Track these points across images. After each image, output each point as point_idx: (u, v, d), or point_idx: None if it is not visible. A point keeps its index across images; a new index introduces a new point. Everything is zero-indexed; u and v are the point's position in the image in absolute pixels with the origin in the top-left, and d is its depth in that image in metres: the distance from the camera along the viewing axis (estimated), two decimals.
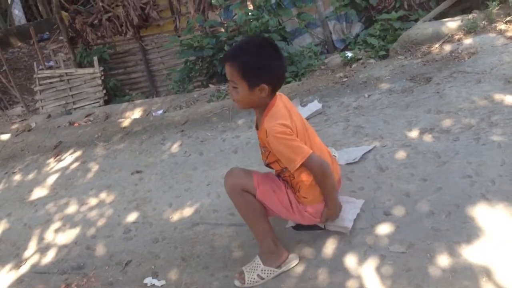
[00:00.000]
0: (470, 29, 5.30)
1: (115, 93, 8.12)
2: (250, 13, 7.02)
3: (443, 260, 2.41)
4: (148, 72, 8.50)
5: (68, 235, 3.60)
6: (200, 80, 7.36)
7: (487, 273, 2.28)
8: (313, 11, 7.60)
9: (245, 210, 2.58)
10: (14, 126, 7.22)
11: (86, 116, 6.61)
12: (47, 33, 13.43)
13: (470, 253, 2.41)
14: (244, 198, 2.54)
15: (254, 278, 2.62)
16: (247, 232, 3.01)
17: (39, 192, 4.48)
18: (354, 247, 2.68)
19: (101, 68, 7.82)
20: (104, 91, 7.70)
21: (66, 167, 4.88)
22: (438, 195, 2.88)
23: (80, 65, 8.24)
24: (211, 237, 3.13)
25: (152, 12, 8.29)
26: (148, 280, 2.87)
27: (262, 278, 2.63)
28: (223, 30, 7.24)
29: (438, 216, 2.71)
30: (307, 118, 4.38)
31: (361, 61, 5.74)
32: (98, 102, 7.59)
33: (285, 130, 2.32)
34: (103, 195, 4.09)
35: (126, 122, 5.69)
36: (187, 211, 3.51)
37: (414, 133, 3.64)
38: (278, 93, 2.49)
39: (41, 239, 3.65)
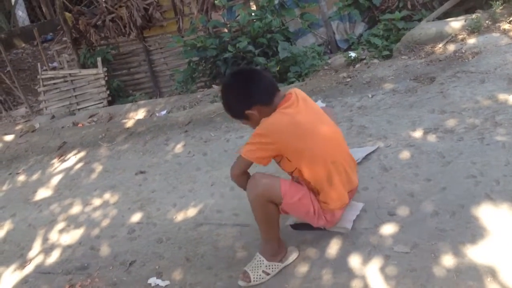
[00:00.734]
0: (473, 29, 5.29)
1: (118, 94, 8.12)
2: (253, 14, 7.02)
3: (448, 260, 2.40)
4: (151, 72, 8.50)
5: (72, 236, 3.61)
6: (204, 80, 7.36)
7: (492, 273, 2.27)
8: (316, 11, 7.60)
9: (263, 217, 2.59)
10: (18, 127, 7.24)
11: (89, 117, 6.62)
12: (51, 34, 13.45)
13: (475, 253, 2.41)
14: (267, 208, 2.54)
15: (260, 275, 2.63)
16: (250, 233, 3.02)
17: (43, 193, 4.49)
18: (358, 247, 2.67)
19: (105, 69, 7.83)
20: (108, 92, 7.71)
21: (70, 168, 4.89)
22: (442, 195, 2.88)
23: (83, 66, 8.25)
24: (215, 237, 3.13)
25: (155, 13, 8.30)
26: (152, 280, 2.87)
27: (268, 274, 2.65)
28: (226, 30, 7.24)
29: (442, 216, 2.71)
30: None
31: (364, 61, 5.73)
32: (102, 102, 7.59)
33: (258, 134, 2.46)
34: (107, 196, 4.09)
35: (129, 123, 5.71)
36: (191, 212, 3.51)
37: (418, 133, 3.64)
38: (292, 91, 2.58)
39: (45, 239, 3.66)
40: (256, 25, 6.66)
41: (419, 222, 2.72)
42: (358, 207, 2.92)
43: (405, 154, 3.40)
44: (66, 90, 7.81)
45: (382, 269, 2.48)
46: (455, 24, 5.53)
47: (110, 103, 7.67)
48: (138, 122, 5.73)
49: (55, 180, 4.69)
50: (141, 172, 4.34)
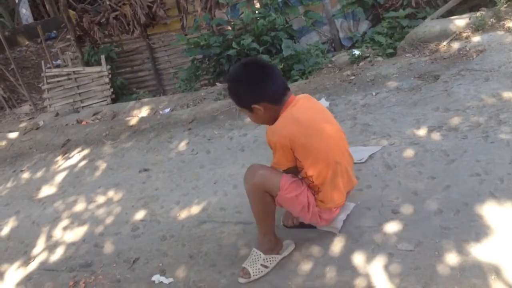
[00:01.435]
0: (478, 27, 5.27)
1: (122, 92, 8.14)
2: (257, 12, 7.02)
3: (452, 258, 2.40)
4: (155, 70, 8.52)
5: (76, 233, 3.62)
6: (207, 78, 7.37)
7: (496, 271, 2.27)
8: (320, 9, 7.59)
9: (260, 208, 2.61)
10: (22, 125, 7.26)
11: (93, 115, 6.63)
12: (55, 31, 13.48)
13: (479, 251, 2.40)
14: (264, 198, 2.56)
15: (259, 268, 2.65)
16: (253, 230, 3.02)
17: (47, 190, 4.50)
18: (361, 245, 2.67)
19: (109, 67, 7.84)
20: (112, 90, 7.72)
21: (74, 165, 4.90)
22: (446, 193, 2.87)
23: (87, 64, 8.26)
24: (218, 235, 3.13)
25: (159, 11, 8.31)
26: (156, 278, 2.87)
27: (267, 267, 2.67)
28: (230, 28, 7.24)
29: (446, 214, 2.70)
30: None
31: (368, 59, 5.72)
32: (106, 100, 7.61)
33: (275, 142, 2.48)
34: (111, 193, 4.10)
35: (133, 121, 5.71)
36: (195, 209, 3.51)
37: (422, 131, 3.63)
38: (301, 96, 2.60)
39: (49, 236, 3.67)
40: (260, 23, 6.65)
41: (423, 220, 2.72)
42: (350, 207, 2.93)
43: (409, 152, 3.39)
44: (70, 87, 7.83)
45: (386, 267, 2.47)
46: (460, 22, 5.52)
47: (114, 101, 7.68)
48: (142, 120, 5.73)
49: (59, 178, 4.70)
50: (145, 170, 4.35)
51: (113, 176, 4.43)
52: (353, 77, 5.13)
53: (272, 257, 2.69)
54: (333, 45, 7.69)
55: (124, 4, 8.42)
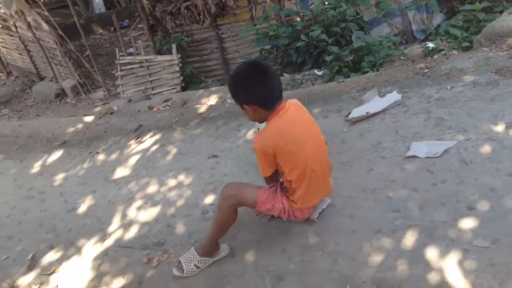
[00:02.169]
0: None
1: (191, 80, 8.31)
2: (327, 2, 6.97)
3: None
4: (223, 60, 8.64)
5: (150, 213, 3.75)
6: (275, 69, 7.40)
7: None
8: (392, 1, 7.44)
9: (222, 222, 2.91)
10: (97, 109, 7.56)
11: (164, 101, 6.81)
12: (127, 21, 13.90)
13: None
14: (230, 215, 2.89)
15: (192, 268, 2.97)
16: (324, 218, 3.03)
17: (121, 172, 4.68)
18: (435, 239, 2.63)
19: (179, 56, 8.02)
20: (181, 78, 7.90)
21: (147, 149, 5.06)
22: None
23: (159, 52, 8.48)
24: (286, 222, 3.16)
25: (229, 1, 8.41)
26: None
27: (199, 267, 2.97)
28: (299, 19, 7.23)
29: None
30: (385, 109, 4.32)
31: (443, 52, 5.56)
32: (175, 88, 7.80)
33: (260, 149, 2.70)
34: (181, 177, 4.22)
35: (202, 108, 5.83)
36: None
37: (499, 127, 3.51)
38: (290, 103, 2.79)
39: (124, 215, 3.83)
40: (330, 14, 6.61)
41: (500, 218, 2.65)
42: (326, 202, 3.15)
43: (486, 148, 3.30)
44: (142, 75, 8.07)
45: (460, 263, 2.43)
46: None
47: (183, 89, 7.85)
48: (211, 107, 5.84)
49: (132, 160, 4.88)
50: (214, 156, 4.43)
51: (183, 161, 4.55)
52: (426, 70, 5.01)
53: (205, 260, 2.99)
54: (405, 37, 7.53)
55: None
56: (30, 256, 3.41)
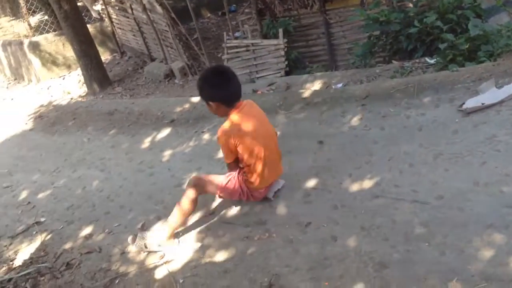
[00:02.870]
0: None
1: (295, 65, 8.32)
2: None
3: None
4: (329, 45, 8.55)
5: None
6: (383, 56, 7.21)
7: None
8: None
9: (185, 208, 3.37)
10: None
11: (268, 85, 6.88)
12: (234, 5, 14.16)
13: None
14: (193, 203, 3.39)
15: (140, 245, 3.42)
16: (431, 210, 2.93)
17: None
18: None
19: (285, 40, 8.05)
20: (286, 63, 7.94)
21: None
22: None
23: (265, 37, 8.56)
24: (392, 211, 3.09)
25: None
26: None
27: (145, 248, 3.40)
28: (411, 5, 6.97)
29: None
30: (502, 101, 4.07)
31: None
32: (280, 72, 7.85)
33: (223, 140, 3.32)
34: (285, 160, 4.24)
35: (306, 93, 5.81)
36: (367, 183, 3.51)
37: None
38: (247, 102, 3.40)
39: None
40: (446, 0, 6.31)
41: None
42: (280, 183, 3.67)
43: None
44: (247, 58, 8.20)
45: None
46: None
47: (287, 73, 7.88)
48: (315, 93, 5.80)
49: None
50: (318, 142, 4.42)
51: (286, 144, 4.53)
52: None
53: (154, 246, 3.39)
54: None
55: None
56: (140, 225, 3.60)
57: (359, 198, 3.34)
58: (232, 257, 3.11)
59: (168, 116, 6.26)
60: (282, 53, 7.96)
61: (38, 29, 10.79)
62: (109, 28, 10.92)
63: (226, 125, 3.29)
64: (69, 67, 10.53)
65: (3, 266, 3.78)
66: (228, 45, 8.44)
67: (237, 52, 8.35)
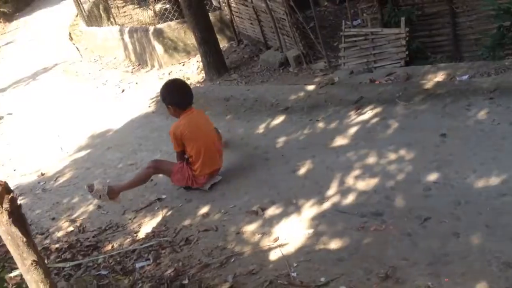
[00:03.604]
0: None
1: (416, 55, 7.97)
2: None
3: None
4: (453, 35, 8.09)
5: (367, 183, 3.75)
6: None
7: None
8: None
9: (138, 181, 4.57)
10: (317, 79, 7.74)
11: (387, 75, 6.66)
12: None
13: None
14: (145, 179, 4.58)
15: (96, 195, 4.35)
16: None
17: (340, 141, 4.75)
18: None
19: (407, 29, 7.75)
20: (407, 53, 7.64)
21: (366, 121, 5.04)
22: None
23: (385, 25, 8.29)
24: None
25: None
26: None
27: (99, 198, 4.39)
28: None
29: None
30: None
31: None
32: (399, 62, 7.56)
33: (173, 133, 4.39)
34: (402, 152, 4.11)
35: (428, 84, 5.57)
36: (494, 180, 3.31)
37: None
38: (196, 110, 4.55)
39: (341, 182, 3.89)
40: None
41: None
42: (217, 178, 4.55)
43: None
44: (365, 48, 8.00)
45: None
46: None
47: (407, 63, 7.58)
48: (438, 84, 5.54)
49: (351, 131, 4.90)
50: (441, 135, 4.21)
51: (405, 136, 4.42)
52: None
53: (108, 200, 4.39)
54: None
55: None
56: (255, 207, 3.67)
57: (484, 195, 3.16)
58: (347, 246, 3.08)
59: (282, 103, 6.30)
60: (403, 42, 7.65)
61: (162, 17, 11.33)
62: (228, 17, 11.18)
63: (177, 122, 4.44)
64: (188, 53, 10.93)
65: (127, 238, 4.05)
66: (346, 33, 8.29)
67: (355, 41, 8.17)
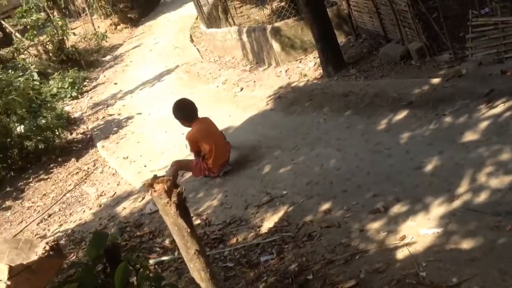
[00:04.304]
0: None
1: None
2: None
3: None
4: None
5: (501, 181, 3.54)
6: None
7: None
8: None
9: (176, 170, 5.62)
10: (441, 72, 7.39)
11: None
12: None
13: None
14: (176, 172, 5.54)
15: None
16: None
17: (470, 136, 4.50)
18: None
19: None
20: None
21: (498, 115, 4.72)
22: None
23: None
24: None
25: None
26: None
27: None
28: None
29: None
30: None
31: None
32: None
33: (189, 139, 5.75)
34: None
35: None
36: None
37: None
38: (202, 118, 5.84)
39: (473, 179, 3.69)
40: None
41: None
42: (228, 168, 5.71)
43: None
44: (495, 37, 7.49)
45: None
46: None
47: None
48: None
49: (482, 125, 4.63)
50: None
51: None
52: None
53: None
54: None
55: None
56: (380, 204, 3.60)
57: None
58: (480, 246, 2.92)
59: (405, 98, 6.11)
60: None
61: (280, 15, 11.45)
62: (346, 11, 11.04)
63: (191, 131, 5.70)
64: (305, 50, 10.93)
65: (251, 232, 4.16)
66: (473, 23, 7.81)
67: (483, 31, 7.68)
